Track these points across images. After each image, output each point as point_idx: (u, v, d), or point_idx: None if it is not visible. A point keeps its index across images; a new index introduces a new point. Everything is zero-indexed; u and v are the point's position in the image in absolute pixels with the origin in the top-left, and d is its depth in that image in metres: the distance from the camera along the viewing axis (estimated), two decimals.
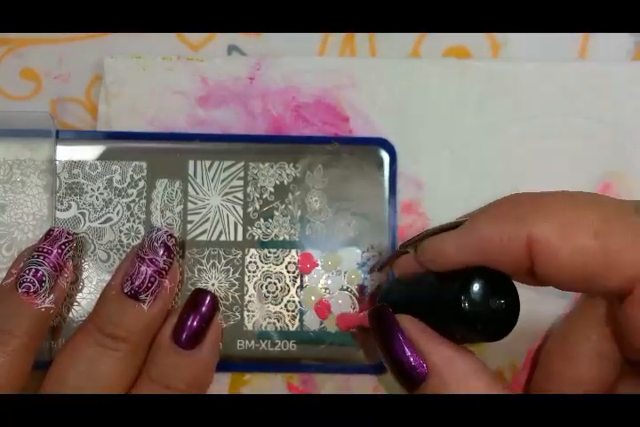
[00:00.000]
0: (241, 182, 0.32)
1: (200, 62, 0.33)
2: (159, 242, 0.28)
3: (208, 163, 0.32)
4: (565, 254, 0.23)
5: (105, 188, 0.32)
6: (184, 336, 0.28)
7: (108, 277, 0.30)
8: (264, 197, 0.32)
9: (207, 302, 0.29)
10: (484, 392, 0.24)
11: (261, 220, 0.32)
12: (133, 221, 0.32)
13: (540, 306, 0.31)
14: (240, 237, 0.32)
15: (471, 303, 0.24)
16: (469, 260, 0.25)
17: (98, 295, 0.29)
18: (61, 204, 0.32)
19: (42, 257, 0.28)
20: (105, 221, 0.32)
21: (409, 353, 0.26)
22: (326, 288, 0.32)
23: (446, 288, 0.25)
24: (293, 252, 0.32)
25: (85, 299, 0.31)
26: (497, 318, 0.25)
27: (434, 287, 0.27)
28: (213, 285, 0.31)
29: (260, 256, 0.32)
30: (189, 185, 0.32)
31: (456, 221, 0.26)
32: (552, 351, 0.30)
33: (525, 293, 0.25)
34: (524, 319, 0.25)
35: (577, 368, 0.28)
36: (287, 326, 0.31)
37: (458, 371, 0.25)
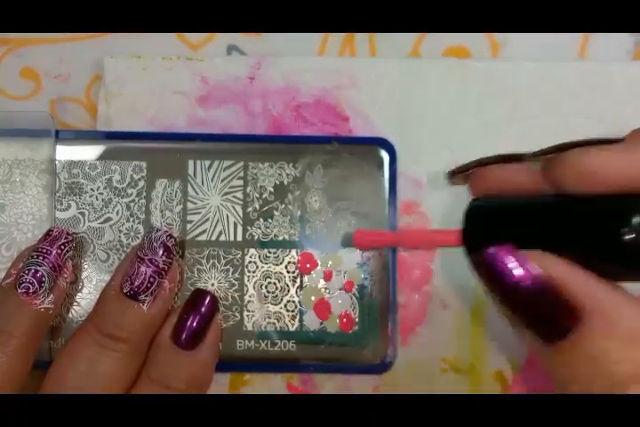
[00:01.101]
0: (241, 182, 0.32)
1: (200, 62, 0.33)
2: (158, 242, 0.28)
3: (208, 163, 0.32)
4: None
5: (104, 187, 0.32)
6: (184, 336, 0.28)
7: (107, 278, 0.30)
8: (264, 196, 0.32)
9: (207, 302, 0.29)
10: None
11: (261, 220, 0.32)
12: (133, 221, 0.32)
13: None
14: (240, 237, 0.32)
15: (636, 236, 0.21)
16: (634, 184, 0.21)
17: (97, 295, 0.29)
18: (61, 204, 0.31)
19: (41, 257, 0.28)
20: (104, 221, 0.32)
21: (558, 296, 0.21)
22: (326, 288, 0.32)
23: (597, 216, 0.22)
24: (293, 252, 0.32)
25: (85, 299, 0.31)
26: None
27: (574, 215, 0.22)
28: (213, 285, 0.31)
29: (259, 256, 0.32)
30: (189, 185, 0.32)
31: (611, 138, 0.22)
32: None
33: None
34: None
35: None
36: (287, 326, 0.31)
37: (622, 307, 0.21)
